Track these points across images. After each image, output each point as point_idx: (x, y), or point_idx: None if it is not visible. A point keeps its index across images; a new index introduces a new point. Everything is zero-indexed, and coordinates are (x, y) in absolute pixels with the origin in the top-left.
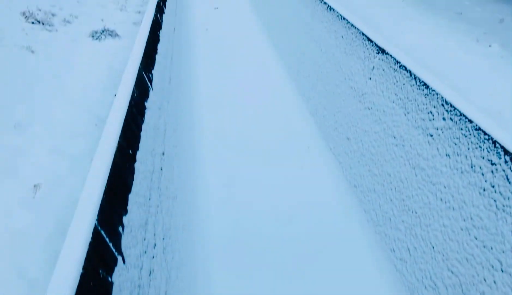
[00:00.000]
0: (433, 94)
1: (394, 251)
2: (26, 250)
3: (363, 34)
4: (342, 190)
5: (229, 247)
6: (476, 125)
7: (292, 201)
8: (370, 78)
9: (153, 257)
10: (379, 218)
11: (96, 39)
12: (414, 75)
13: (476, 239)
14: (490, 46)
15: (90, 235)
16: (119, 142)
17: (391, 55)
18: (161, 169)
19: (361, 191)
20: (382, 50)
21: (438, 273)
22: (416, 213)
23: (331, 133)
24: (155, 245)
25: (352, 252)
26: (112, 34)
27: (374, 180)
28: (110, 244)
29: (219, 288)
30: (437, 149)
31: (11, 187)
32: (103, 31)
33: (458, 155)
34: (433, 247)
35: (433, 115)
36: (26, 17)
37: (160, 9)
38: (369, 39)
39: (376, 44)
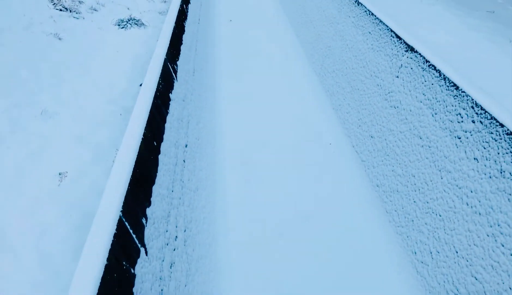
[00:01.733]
0: (463, 96)
1: (415, 254)
2: (52, 240)
3: (391, 30)
4: (363, 188)
5: (248, 242)
6: (508, 129)
7: (311, 198)
8: (397, 77)
9: (174, 250)
10: (401, 219)
11: (122, 28)
12: (444, 75)
13: (503, 246)
14: None
15: (115, 227)
16: (144, 134)
17: (420, 54)
18: (184, 161)
19: (384, 191)
20: (411, 48)
21: (461, 278)
22: (440, 216)
23: (355, 130)
24: (176, 237)
25: (371, 252)
26: (138, 23)
27: (397, 180)
28: (134, 236)
29: (236, 284)
30: (465, 151)
31: (37, 175)
32: (129, 20)
33: (487, 159)
34: (457, 252)
35: (462, 118)
36: (54, 4)
37: None
38: (397, 36)
39: (405, 42)
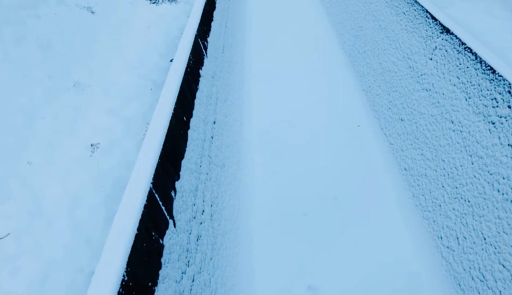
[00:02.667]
0: (500, 80)
1: (441, 239)
2: (83, 209)
3: (427, 11)
4: (390, 172)
5: (272, 220)
6: None
7: (337, 180)
8: (431, 59)
9: (201, 223)
10: (428, 204)
11: (154, 3)
12: (480, 58)
13: None
14: None
15: (145, 198)
16: (174, 109)
17: (456, 36)
18: (212, 137)
19: (411, 175)
20: (446, 30)
21: (488, 265)
22: (469, 202)
23: (384, 113)
24: (203, 211)
25: (396, 237)
26: None
27: (426, 165)
28: (163, 208)
29: (261, 259)
30: (499, 137)
31: (70, 145)
32: None
33: None
34: (485, 239)
35: (497, 102)
36: None
37: None
38: (433, 18)
39: (440, 23)
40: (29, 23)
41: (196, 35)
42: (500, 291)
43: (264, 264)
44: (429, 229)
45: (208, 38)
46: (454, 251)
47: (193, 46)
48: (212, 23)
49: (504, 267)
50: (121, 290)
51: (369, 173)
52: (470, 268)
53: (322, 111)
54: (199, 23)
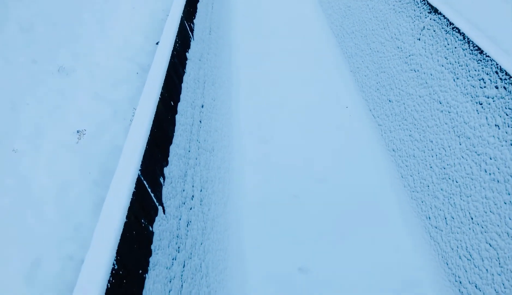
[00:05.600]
0: (487, 61)
1: (429, 219)
2: (72, 196)
3: None
4: (379, 153)
5: (262, 202)
6: None
7: (326, 162)
8: (419, 39)
9: (191, 208)
10: (417, 184)
11: None
12: (468, 38)
13: None
14: None
15: (134, 185)
16: (161, 94)
17: (444, 16)
18: (200, 122)
19: (400, 156)
20: (434, 10)
21: (475, 244)
22: (456, 182)
23: (372, 94)
24: (193, 196)
25: (385, 217)
26: None
27: (414, 145)
28: (152, 195)
29: (250, 241)
30: (486, 118)
31: (56, 131)
32: None
33: (508, 126)
34: (472, 218)
35: (485, 83)
36: None
37: None
38: None
39: (428, 3)
40: (11, 5)
41: (182, 17)
42: (486, 270)
43: (255, 246)
44: (417, 209)
45: (194, 20)
46: (442, 230)
47: (179, 28)
48: (198, 4)
49: (490, 246)
50: (111, 279)
51: (358, 154)
52: (457, 247)
53: (311, 92)
54: (185, 4)
